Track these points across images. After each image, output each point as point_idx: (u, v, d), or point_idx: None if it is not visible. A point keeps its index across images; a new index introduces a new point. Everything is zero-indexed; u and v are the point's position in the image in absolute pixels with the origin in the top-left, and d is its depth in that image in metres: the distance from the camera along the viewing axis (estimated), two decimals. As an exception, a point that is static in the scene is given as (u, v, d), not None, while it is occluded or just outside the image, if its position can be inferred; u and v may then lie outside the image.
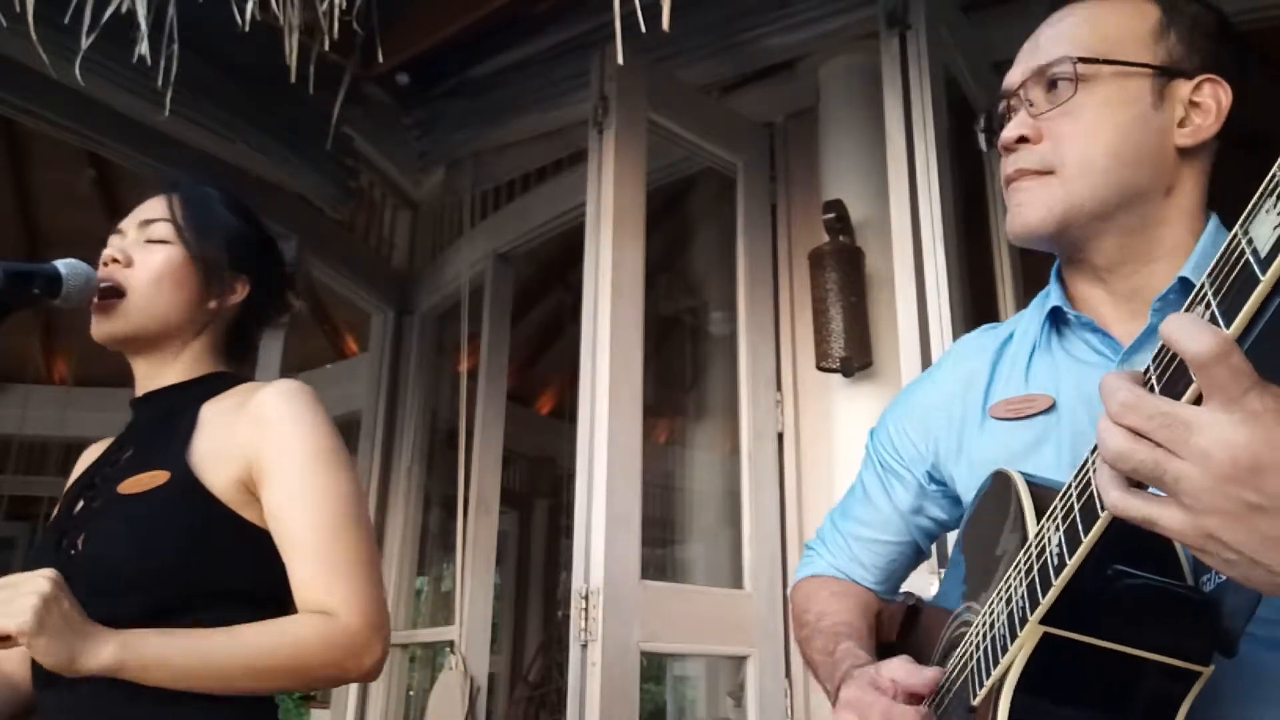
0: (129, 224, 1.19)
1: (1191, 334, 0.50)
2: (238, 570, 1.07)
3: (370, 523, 1.12)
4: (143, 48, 1.87)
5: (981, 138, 0.96)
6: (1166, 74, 0.85)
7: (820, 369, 2.33)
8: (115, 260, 1.14)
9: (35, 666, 1.07)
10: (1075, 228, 0.86)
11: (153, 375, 1.18)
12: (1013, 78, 0.91)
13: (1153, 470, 0.53)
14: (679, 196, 3.58)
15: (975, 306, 2.23)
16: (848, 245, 2.36)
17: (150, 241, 1.16)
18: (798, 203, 2.72)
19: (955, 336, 1.85)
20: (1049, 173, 0.86)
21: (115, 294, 1.13)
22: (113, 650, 0.93)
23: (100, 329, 1.13)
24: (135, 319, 1.13)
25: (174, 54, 1.98)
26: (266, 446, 1.07)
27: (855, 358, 2.27)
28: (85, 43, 1.87)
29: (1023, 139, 0.87)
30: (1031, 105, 0.88)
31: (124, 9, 1.85)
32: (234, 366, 1.25)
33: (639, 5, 1.54)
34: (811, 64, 2.65)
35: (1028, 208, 0.87)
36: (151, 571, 1.02)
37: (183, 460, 1.07)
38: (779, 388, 2.58)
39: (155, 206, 1.19)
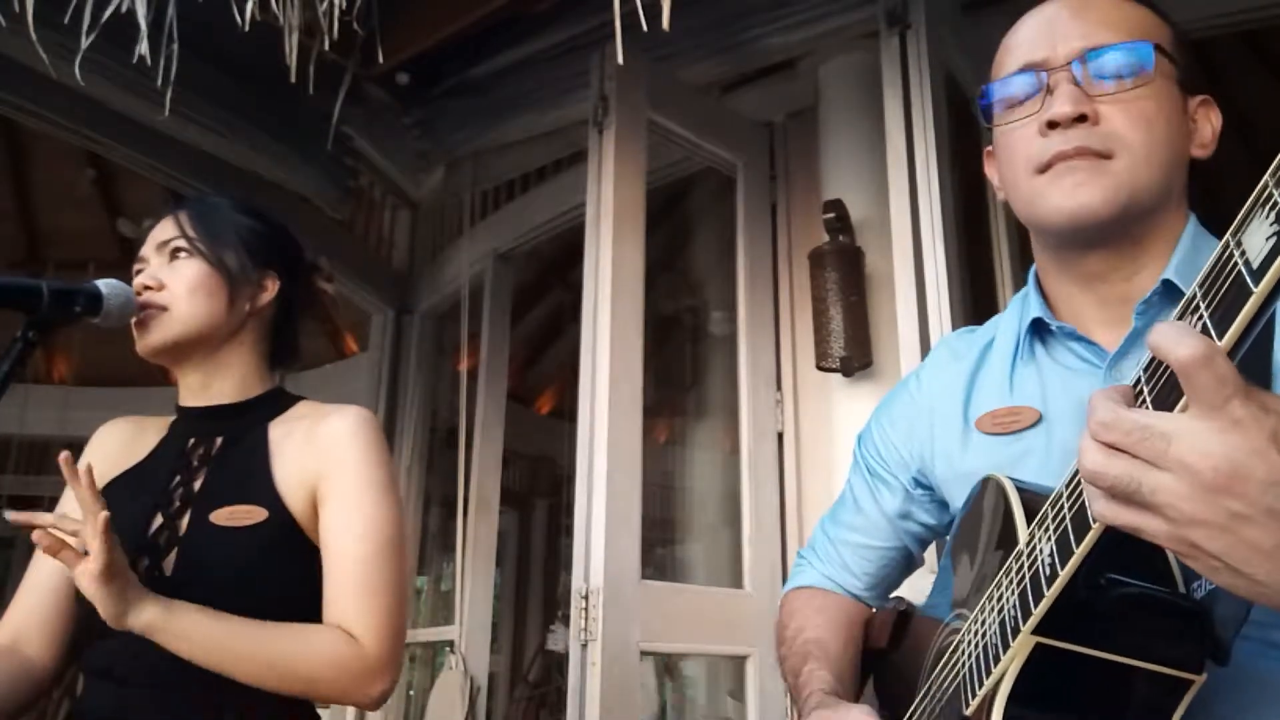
0: (148, 251, 1.23)
1: (1176, 340, 0.50)
2: (313, 600, 1.12)
3: (405, 552, 1.17)
4: (143, 48, 1.87)
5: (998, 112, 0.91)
6: (1186, 88, 0.87)
7: (820, 369, 2.33)
8: (148, 287, 1.18)
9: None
10: (1128, 217, 0.83)
11: (204, 385, 1.22)
12: (1049, 54, 0.86)
13: (1127, 485, 0.52)
14: (679, 196, 3.58)
15: (975, 306, 2.23)
16: (848, 245, 2.36)
17: (175, 257, 1.21)
18: (798, 202, 2.72)
19: (955, 336, 1.85)
20: (1107, 157, 0.82)
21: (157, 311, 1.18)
22: (155, 613, 0.99)
23: (144, 342, 1.18)
24: (176, 328, 1.17)
25: (174, 54, 1.97)
26: (331, 470, 1.14)
27: (855, 357, 2.27)
28: (85, 43, 1.87)
29: (1082, 117, 0.82)
30: (1079, 84, 0.83)
31: (124, 9, 1.85)
32: (282, 369, 1.30)
33: (639, 5, 1.54)
34: (811, 64, 2.65)
35: (1090, 187, 0.81)
36: (249, 609, 1.06)
37: (274, 495, 1.12)
38: (779, 387, 2.58)
39: (166, 227, 1.23)
